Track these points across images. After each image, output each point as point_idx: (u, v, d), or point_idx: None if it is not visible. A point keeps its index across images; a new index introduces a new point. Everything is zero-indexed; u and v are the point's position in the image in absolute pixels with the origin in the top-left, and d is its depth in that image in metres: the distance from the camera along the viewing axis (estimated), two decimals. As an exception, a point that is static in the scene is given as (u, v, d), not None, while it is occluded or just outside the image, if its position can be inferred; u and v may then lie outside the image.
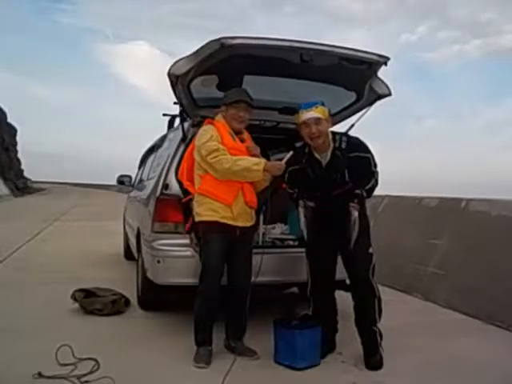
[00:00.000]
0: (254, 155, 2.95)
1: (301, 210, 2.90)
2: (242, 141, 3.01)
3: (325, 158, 2.87)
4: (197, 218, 2.94)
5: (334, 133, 2.95)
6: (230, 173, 2.80)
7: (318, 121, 2.79)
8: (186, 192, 3.19)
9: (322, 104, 2.84)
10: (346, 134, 3.13)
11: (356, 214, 2.74)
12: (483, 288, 4.02)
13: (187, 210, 3.13)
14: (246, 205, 2.92)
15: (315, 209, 2.89)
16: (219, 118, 3.01)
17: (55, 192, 33.99)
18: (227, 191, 2.86)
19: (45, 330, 3.38)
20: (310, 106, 2.82)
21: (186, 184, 3.11)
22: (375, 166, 2.86)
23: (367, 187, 2.81)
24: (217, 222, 2.85)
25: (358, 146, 2.89)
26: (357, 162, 2.81)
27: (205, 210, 2.88)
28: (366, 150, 2.88)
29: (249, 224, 2.98)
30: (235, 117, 2.94)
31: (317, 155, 2.89)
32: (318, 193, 2.85)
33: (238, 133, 2.99)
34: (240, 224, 2.89)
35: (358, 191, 2.77)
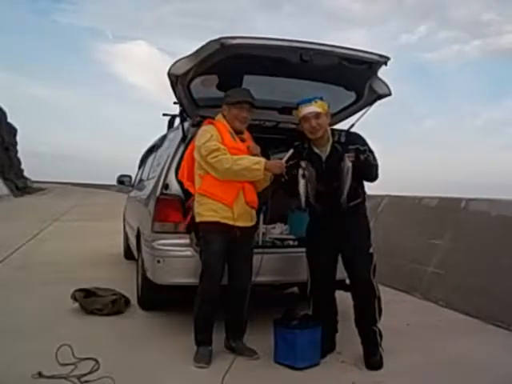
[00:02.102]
0: (254, 155, 2.94)
1: (300, 173, 2.78)
2: (243, 141, 3.01)
3: (325, 152, 2.89)
4: (197, 219, 2.94)
5: (332, 129, 2.98)
6: (231, 172, 2.79)
7: (317, 115, 2.81)
8: (186, 192, 3.19)
9: (321, 99, 2.86)
10: (345, 130, 3.15)
11: (350, 164, 2.70)
12: (483, 288, 4.02)
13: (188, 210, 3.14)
14: (247, 205, 2.92)
15: (316, 209, 2.88)
16: (219, 117, 3.00)
17: (55, 192, 33.99)
18: (228, 191, 2.86)
19: (45, 330, 3.38)
20: (309, 101, 2.84)
21: (186, 184, 3.11)
22: (374, 158, 2.86)
23: (366, 156, 2.76)
24: (217, 223, 2.84)
25: (356, 139, 2.91)
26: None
27: (205, 211, 2.88)
28: (364, 142, 2.90)
29: (250, 224, 2.98)
30: (238, 117, 2.94)
31: (316, 150, 2.91)
32: (321, 188, 2.84)
33: (238, 132, 2.99)
34: (240, 224, 2.89)
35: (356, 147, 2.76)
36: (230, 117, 2.95)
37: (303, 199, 2.81)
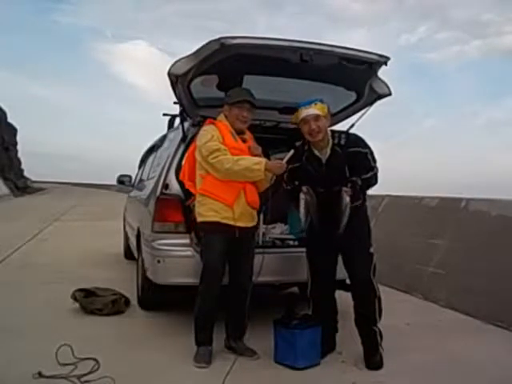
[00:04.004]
0: (255, 155, 2.94)
1: (302, 197, 2.80)
2: (244, 141, 3.01)
3: (324, 154, 2.88)
4: (198, 219, 2.94)
5: (332, 130, 2.96)
6: (231, 173, 2.79)
7: (317, 117, 2.80)
8: (187, 192, 3.19)
9: (321, 101, 2.85)
10: (344, 131, 3.14)
11: (348, 199, 2.71)
12: (483, 288, 4.02)
13: (190, 211, 3.13)
14: (248, 205, 2.92)
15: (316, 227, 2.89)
16: (221, 117, 3.00)
17: (55, 192, 33.97)
18: (228, 191, 2.86)
19: (45, 330, 3.38)
20: (309, 103, 2.83)
21: (187, 184, 3.10)
22: (374, 161, 2.87)
23: (364, 176, 2.79)
24: (218, 223, 2.84)
25: (356, 141, 2.90)
26: (356, 157, 2.82)
27: (206, 211, 2.87)
28: (365, 145, 2.90)
29: (251, 224, 2.98)
30: (239, 117, 2.94)
31: (316, 152, 2.90)
32: (320, 190, 2.84)
33: (239, 133, 2.99)
34: (241, 224, 2.89)
35: (353, 178, 2.76)
36: (231, 117, 2.96)
37: (303, 223, 2.86)
